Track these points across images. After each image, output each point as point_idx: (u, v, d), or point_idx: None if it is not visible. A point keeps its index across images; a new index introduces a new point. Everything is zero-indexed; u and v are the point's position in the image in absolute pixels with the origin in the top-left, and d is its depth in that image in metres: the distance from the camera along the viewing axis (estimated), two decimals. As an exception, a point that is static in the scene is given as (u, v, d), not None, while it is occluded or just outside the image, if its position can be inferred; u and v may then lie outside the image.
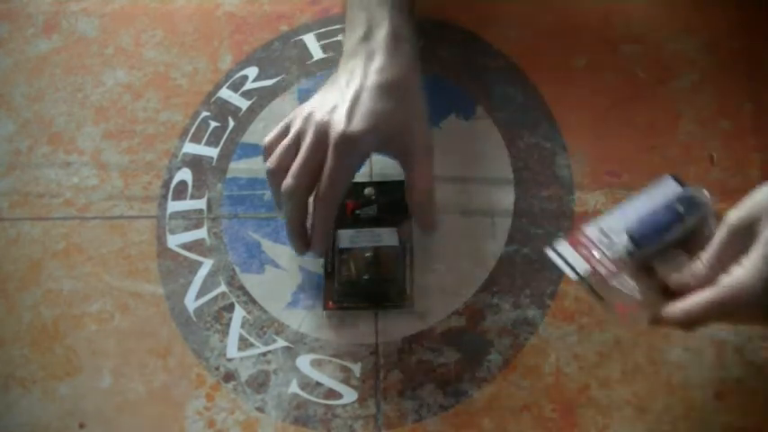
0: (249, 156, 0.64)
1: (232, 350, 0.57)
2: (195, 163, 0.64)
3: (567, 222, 0.59)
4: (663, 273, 0.50)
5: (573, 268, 0.51)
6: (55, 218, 0.63)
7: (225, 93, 0.67)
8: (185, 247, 0.61)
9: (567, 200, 0.60)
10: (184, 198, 0.63)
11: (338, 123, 0.52)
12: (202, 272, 0.60)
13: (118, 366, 0.57)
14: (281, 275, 0.59)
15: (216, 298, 0.59)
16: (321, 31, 0.69)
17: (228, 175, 0.64)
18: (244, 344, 0.57)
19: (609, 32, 0.65)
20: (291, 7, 0.70)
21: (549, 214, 0.60)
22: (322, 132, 0.53)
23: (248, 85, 0.67)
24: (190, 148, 0.65)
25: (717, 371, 0.53)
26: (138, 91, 0.68)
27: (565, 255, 0.52)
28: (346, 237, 0.56)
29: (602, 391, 0.54)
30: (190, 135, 0.65)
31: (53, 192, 0.64)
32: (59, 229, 0.63)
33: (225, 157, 0.64)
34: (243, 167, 0.64)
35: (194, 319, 0.59)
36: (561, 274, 0.57)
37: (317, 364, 0.56)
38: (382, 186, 0.59)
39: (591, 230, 0.52)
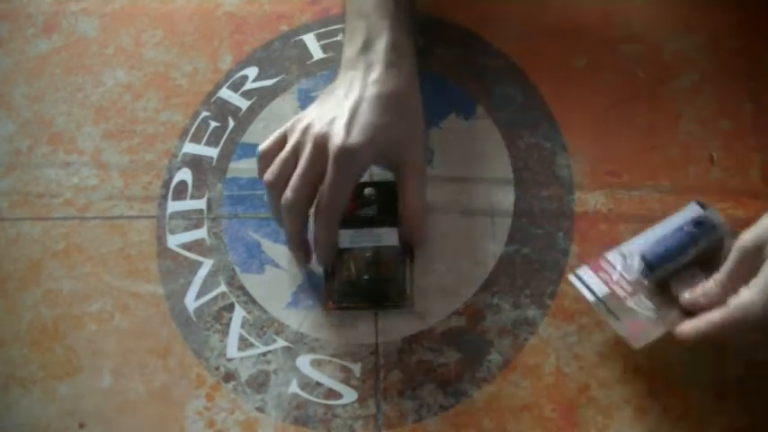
0: (249, 156, 0.64)
1: (232, 350, 0.57)
2: (195, 163, 0.64)
3: (566, 222, 0.59)
4: (677, 291, 0.52)
5: (593, 291, 0.54)
6: (55, 218, 0.63)
7: (225, 93, 0.67)
8: (185, 247, 0.61)
9: (567, 200, 0.60)
10: (184, 198, 0.63)
11: (337, 136, 0.52)
12: (202, 272, 0.60)
13: (118, 366, 0.57)
14: (281, 275, 0.59)
15: (216, 298, 0.59)
16: (321, 31, 0.69)
17: (228, 175, 0.64)
18: (244, 344, 0.57)
19: (609, 32, 0.65)
20: (291, 7, 0.70)
21: (549, 214, 0.60)
22: (321, 145, 0.53)
23: (248, 85, 0.67)
24: (190, 148, 0.65)
25: (717, 371, 0.53)
26: (138, 91, 0.68)
27: (585, 279, 0.54)
28: (346, 237, 0.55)
29: (602, 391, 0.54)
30: (190, 135, 0.66)
31: (53, 192, 0.64)
32: (59, 229, 0.63)
33: (225, 157, 0.64)
34: (243, 167, 0.64)
35: (194, 319, 0.59)
36: (561, 274, 0.57)
37: (316, 364, 0.56)
38: (382, 187, 0.59)
39: (612, 255, 0.55)
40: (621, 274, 0.54)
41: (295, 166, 0.54)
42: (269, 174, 0.54)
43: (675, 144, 0.61)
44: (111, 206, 0.63)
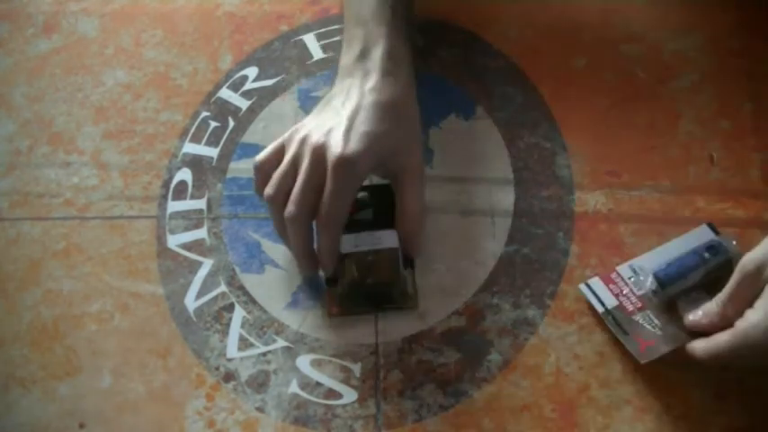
0: (249, 156, 0.64)
1: (232, 350, 0.57)
2: (195, 163, 0.64)
3: (567, 222, 0.59)
4: (683, 312, 0.53)
5: (602, 303, 0.55)
6: (55, 218, 0.63)
7: (225, 93, 0.67)
8: (185, 247, 0.61)
9: (567, 200, 0.60)
10: (184, 198, 0.63)
11: (335, 146, 0.52)
12: (202, 272, 0.60)
13: (118, 366, 0.57)
14: (281, 275, 0.59)
15: (216, 298, 0.59)
16: (321, 31, 0.69)
17: (228, 175, 0.64)
18: (244, 344, 0.57)
19: (609, 32, 0.65)
20: (291, 7, 0.70)
21: (549, 214, 0.60)
22: (319, 155, 0.53)
23: (248, 85, 0.67)
24: (190, 148, 0.65)
25: (717, 371, 0.53)
26: (138, 91, 0.68)
27: (596, 290, 0.56)
28: (346, 242, 0.55)
29: (602, 391, 0.54)
30: (190, 135, 0.66)
31: (53, 192, 0.64)
32: (59, 229, 0.63)
33: (225, 157, 0.64)
34: (243, 167, 0.64)
35: (194, 319, 0.59)
36: (561, 274, 0.57)
37: (316, 364, 0.56)
38: (376, 190, 0.59)
39: (623, 269, 0.56)
40: (631, 289, 0.55)
41: (295, 179, 0.54)
42: (269, 188, 0.54)
43: (675, 144, 0.61)
44: (111, 206, 0.63)
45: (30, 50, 0.71)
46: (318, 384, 0.56)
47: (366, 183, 0.60)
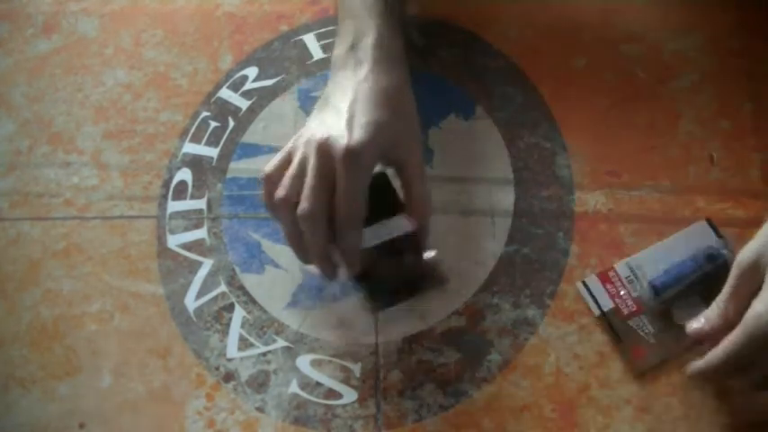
0: (249, 156, 0.64)
1: (232, 350, 0.57)
2: (195, 163, 0.64)
3: (567, 222, 0.59)
4: (679, 320, 0.53)
5: (598, 304, 0.55)
6: (55, 218, 0.63)
7: (225, 93, 0.67)
8: (185, 247, 0.61)
9: (567, 200, 0.60)
10: (184, 198, 0.63)
11: (340, 139, 0.52)
12: (202, 272, 0.60)
13: (118, 366, 0.57)
14: (281, 275, 0.59)
15: (216, 298, 0.59)
16: (321, 31, 0.69)
17: (228, 175, 0.64)
18: (244, 344, 0.57)
19: (609, 32, 0.65)
20: (291, 7, 0.70)
21: (549, 214, 0.60)
22: (325, 152, 0.52)
23: (248, 85, 0.67)
24: (190, 148, 0.65)
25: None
26: (138, 91, 0.68)
27: (593, 289, 0.56)
28: (364, 237, 0.55)
29: (602, 391, 0.54)
30: (190, 135, 0.65)
31: (53, 192, 0.64)
32: (59, 229, 0.63)
33: (225, 157, 0.64)
34: (243, 167, 0.64)
35: (194, 319, 0.59)
36: (561, 273, 0.57)
37: (317, 364, 0.56)
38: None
39: (621, 268, 0.56)
40: (628, 291, 0.55)
41: (304, 180, 0.53)
42: (280, 190, 0.53)
43: (675, 144, 0.61)
44: (111, 206, 0.63)
45: (30, 50, 0.70)
46: (318, 384, 0.56)
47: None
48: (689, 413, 0.52)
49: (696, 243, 0.56)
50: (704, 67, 0.63)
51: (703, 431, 0.52)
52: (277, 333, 0.58)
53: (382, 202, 0.56)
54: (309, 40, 0.68)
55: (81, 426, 0.56)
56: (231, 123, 0.66)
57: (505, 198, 0.60)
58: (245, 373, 0.56)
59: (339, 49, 0.57)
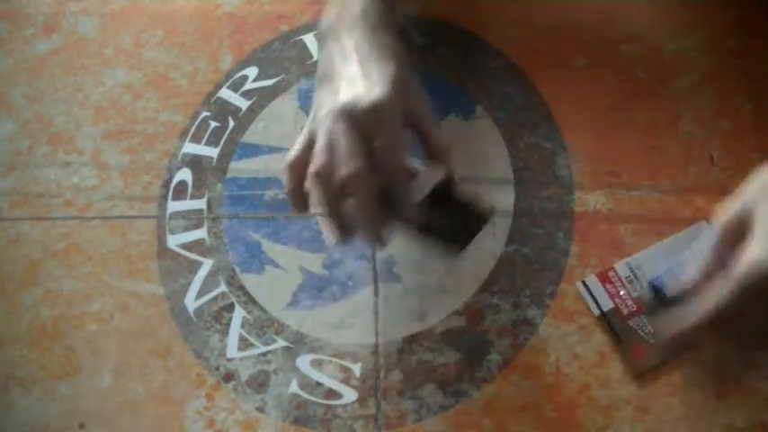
0: (249, 156, 0.64)
1: (232, 350, 0.57)
2: (195, 163, 0.64)
3: (566, 222, 0.59)
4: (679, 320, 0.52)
5: (598, 304, 0.55)
6: (55, 218, 0.63)
7: (225, 93, 0.67)
8: (185, 247, 0.61)
9: (567, 200, 0.60)
10: (184, 198, 0.63)
11: (364, 98, 0.50)
12: (202, 272, 0.60)
13: (118, 366, 0.57)
14: (281, 275, 0.59)
15: (216, 298, 0.59)
16: (321, 31, 0.69)
17: (228, 175, 0.64)
18: (244, 344, 0.57)
19: (609, 32, 0.65)
20: (291, 7, 0.70)
21: (549, 214, 0.60)
22: (352, 115, 0.50)
23: (248, 85, 0.67)
24: (190, 148, 0.65)
25: (717, 371, 0.53)
26: (138, 91, 0.68)
27: (593, 289, 0.56)
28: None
29: (602, 391, 0.54)
30: (190, 135, 0.65)
31: (53, 192, 0.64)
32: (59, 229, 0.63)
33: (225, 157, 0.64)
34: (243, 167, 0.64)
35: (194, 319, 0.59)
36: (561, 273, 0.57)
37: (317, 364, 0.56)
38: None
39: (621, 268, 0.56)
40: (628, 291, 0.55)
41: (338, 152, 0.50)
42: (314, 165, 0.50)
43: (675, 144, 0.61)
44: (111, 206, 0.63)
45: (29, 50, 0.70)
46: (318, 384, 0.56)
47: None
48: (689, 413, 0.52)
49: (698, 246, 0.55)
50: (704, 67, 0.63)
51: (703, 431, 0.52)
52: (277, 333, 0.58)
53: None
54: (309, 40, 0.68)
55: (81, 426, 0.56)
56: (231, 123, 0.66)
57: (505, 198, 0.60)
58: (245, 373, 0.56)
59: (327, 20, 0.56)
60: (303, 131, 0.53)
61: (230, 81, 0.67)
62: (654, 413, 0.53)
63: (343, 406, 0.55)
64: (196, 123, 0.66)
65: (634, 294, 0.55)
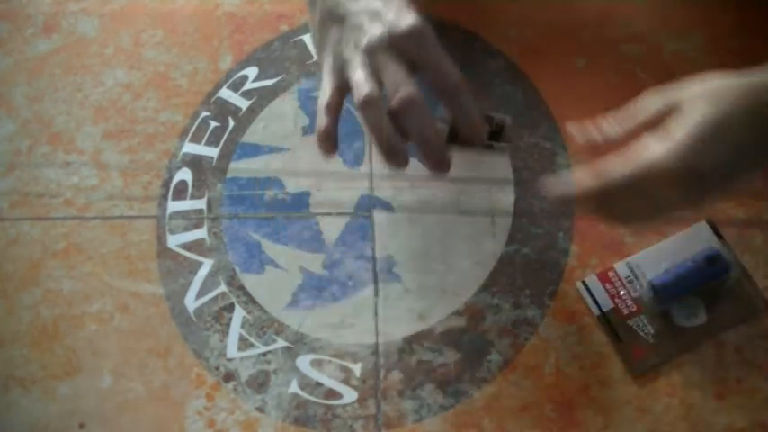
0: (249, 156, 0.64)
1: (232, 350, 0.57)
2: (195, 163, 0.64)
3: (566, 222, 0.59)
4: (679, 321, 0.54)
5: (598, 304, 0.55)
6: (55, 218, 0.63)
7: (225, 93, 0.67)
8: (185, 247, 0.61)
9: (567, 200, 0.60)
10: (184, 198, 0.63)
11: (401, 23, 0.49)
12: (202, 272, 0.60)
13: (118, 366, 0.57)
14: (281, 275, 0.59)
15: (216, 298, 0.59)
16: (321, 31, 0.69)
17: (228, 175, 0.64)
18: (244, 344, 0.57)
19: (609, 32, 0.65)
20: (291, 7, 0.70)
21: (548, 214, 0.59)
22: (391, 43, 0.49)
23: (248, 85, 0.67)
24: (190, 148, 0.65)
25: (717, 371, 0.53)
26: (137, 91, 0.68)
27: (593, 289, 0.56)
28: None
29: (602, 391, 0.54)
30: (190, 135, 0.65)
31: (53, 192, 0.64)
32: (59, 229, 0.63)
33: (225, 157, 0.64)
34: (243, 167, 0.64)
35: (194, 319, 0.59)
36: (561, 273, 0.57)
37: (317, 364, 0.56)
38: None
39: (621, 268, 0.56)
40: (628, 291, 0.55)
41: (380, 79, 0.49)
42: (363, 93, 0.48)
43: (675, 144, 0.61)
44: (111, 206, 0.63)
45: (29, 50, 0.70)
46: (318, 384, 0.56)
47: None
48: (689, 413, 0.52)
49: (696, 243, 0.56)
50: (704, 67, 0.63)
51: (703, 431, 0.52)
52: (277, 333, 0.58)
53: None
54: (309, 40, 0.68)
55: (81, 426, 0.56)
56: (231, 123, 0.66)
57: (505, 198, 0.60)
58: (245, 373, 0.56)
59: None
60: (325, 76, 0.51)
61: (230, 81, 0.67)
62: (654, 413, 0.53)
63: (343, 406, 0.55)
64: (196, 123, 0.66)
65: (634, 294, 0.55)
